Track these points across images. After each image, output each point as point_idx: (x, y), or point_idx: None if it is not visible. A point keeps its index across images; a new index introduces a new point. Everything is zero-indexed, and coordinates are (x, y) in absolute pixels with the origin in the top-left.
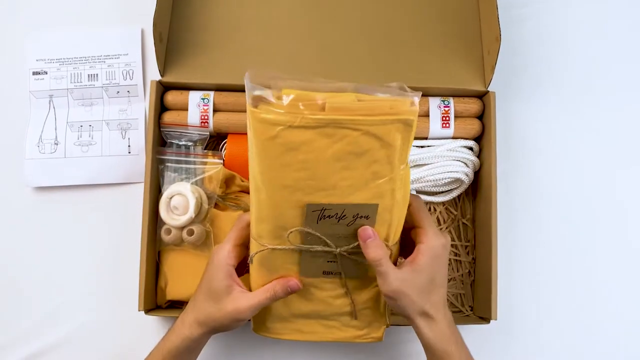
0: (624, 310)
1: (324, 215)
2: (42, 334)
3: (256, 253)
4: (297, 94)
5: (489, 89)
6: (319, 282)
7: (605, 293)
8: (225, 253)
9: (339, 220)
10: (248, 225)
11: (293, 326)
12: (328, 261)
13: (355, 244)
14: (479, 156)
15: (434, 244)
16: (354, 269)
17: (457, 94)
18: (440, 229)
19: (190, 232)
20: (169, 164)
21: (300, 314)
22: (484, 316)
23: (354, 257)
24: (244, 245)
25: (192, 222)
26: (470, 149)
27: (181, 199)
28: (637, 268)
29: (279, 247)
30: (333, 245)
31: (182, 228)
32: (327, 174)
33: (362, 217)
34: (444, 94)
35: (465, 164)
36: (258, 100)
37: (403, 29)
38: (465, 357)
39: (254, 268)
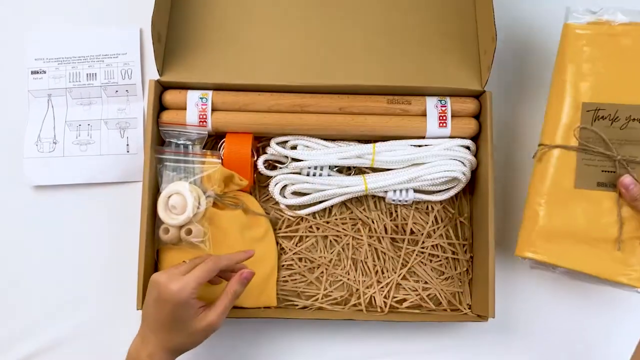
0: (621, 304)
1: (598, 116)
2: (41, 332)
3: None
4: None
5: (485, 89)
6: (592, 194)
7: (602, 290)
8: (189, 290)
9: (612, 123)
10: (217, 270)
11: (558, 248)
12: (603, 171)
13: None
14: (475, 155)
15: None
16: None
17: (454, 94)
18: (438, 227)
19: (189, 232)
20: (167, 163)
21: (567, 231)
22: (482, 314)
23: (630, 169)
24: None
25: (190, 221)
26: (467, 148)
27: (179, 198)
28: None
29: (563, 145)
30: (614, 149)
31: (180, 227)
32: None
33: (635, 119)
34: (441, 93)
35: (463, 163)
36: None
37: (401, 28)
38: None
39: (541, 168)
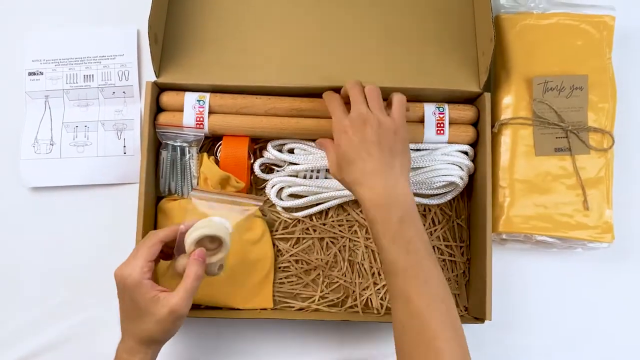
0: (618, 308)
1: (547, 88)
2: (38, 334)
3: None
4: None
5: (483, 91)
6: (552, 160)
7: (599, 291)
8: (138, 270)
9: (559, 93)
10: (158, 242)
11: (532, 221)
12: (557, 137)
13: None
14: (473, 161)
15: (335, 124)
16: (582, 147)
17: (452, 95)
18: (435, 229)
19: (221, 267)
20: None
21: (539, 202)
22: (479, 316)
23: (581, 135)
24: (152, 262)
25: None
26: (465, 153)
27: (214, 239)
28: (626, 262)
29: (520, 117)
30: (564, 120)
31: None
32: None
33: (577, 88)
34: (438, 95)
35: (460, 167)
36: None
37: (399, 30)
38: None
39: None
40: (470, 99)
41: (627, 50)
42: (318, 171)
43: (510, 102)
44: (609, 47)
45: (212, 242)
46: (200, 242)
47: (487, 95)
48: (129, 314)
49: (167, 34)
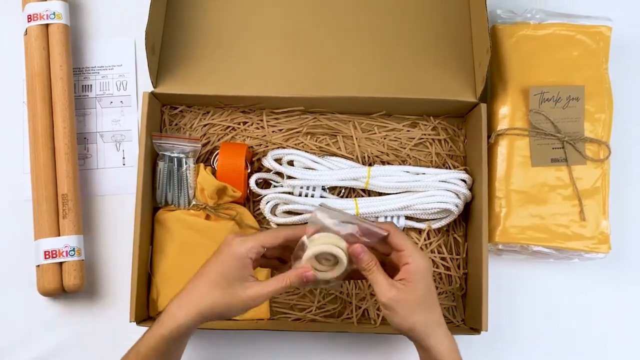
0: (614, 319)
1: (544, 99)
2: (36, 343)
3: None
4: None
5: (479, 101)
6: (548, 171)
7: (595, 302)
8: (248, 246)
9: (555, 104)
10: (282, 238)
11: (529, 231)
12: (554, 148)
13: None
14: (471, 188)
15: (421, 263)
16: (579, 158)
17: (448, 105)
18: (431, 242)
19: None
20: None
21: (535, 213)
22: (475, 327)
23: (577, 146)
24: (264, 249)
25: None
26: (464, 181)
27: (331, 257)
28: (622, 273)
29: (516, 128)
30: (561, 130)
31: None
32: None
33: (573, 98)
34: (434, 105)
35: (457, 195)
36: None
37: (395, 40)
38: None
39: (498, 152)
40: (466, 110)
41: (624, 60)
42: (314, 188)
43: (507, 113)
44: (606, 57)
45: (327, 260)
46: (318, 256)
47: (483, 106)
48: (210, 275)
49: (165, 44)
